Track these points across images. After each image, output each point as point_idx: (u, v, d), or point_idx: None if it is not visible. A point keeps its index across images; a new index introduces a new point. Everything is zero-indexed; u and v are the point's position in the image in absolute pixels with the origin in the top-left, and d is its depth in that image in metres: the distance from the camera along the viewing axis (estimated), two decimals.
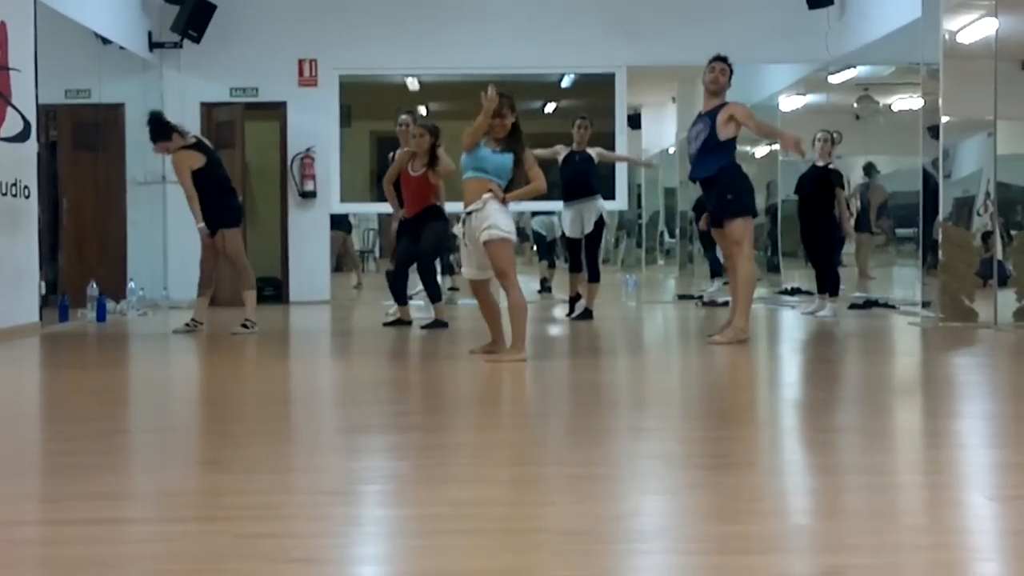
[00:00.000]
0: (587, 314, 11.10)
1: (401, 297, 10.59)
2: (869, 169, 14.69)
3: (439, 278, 11.36)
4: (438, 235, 10.59)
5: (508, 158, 7.68)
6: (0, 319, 9.58)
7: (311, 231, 14.13)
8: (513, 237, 7.69)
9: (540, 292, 15.44)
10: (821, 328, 10.69)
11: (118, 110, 13.58)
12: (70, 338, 10.13)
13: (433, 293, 10.53)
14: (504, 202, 7.62)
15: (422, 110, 15.39)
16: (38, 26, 10.34)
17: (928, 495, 3.88)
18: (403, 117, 10.97)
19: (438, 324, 10.24)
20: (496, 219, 7.51)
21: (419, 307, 11.76)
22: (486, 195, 7.56)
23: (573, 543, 3.16)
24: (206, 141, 10.57)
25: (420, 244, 10.40)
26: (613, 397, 6.52)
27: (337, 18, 13.97)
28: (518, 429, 5.43)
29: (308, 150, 14.00)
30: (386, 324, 10.55)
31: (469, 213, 7.61)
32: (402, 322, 10.49)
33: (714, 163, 8.81)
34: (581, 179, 11.28)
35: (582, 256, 11.46)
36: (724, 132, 8.75)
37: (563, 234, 11.94)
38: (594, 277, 11.36)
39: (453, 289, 13.78)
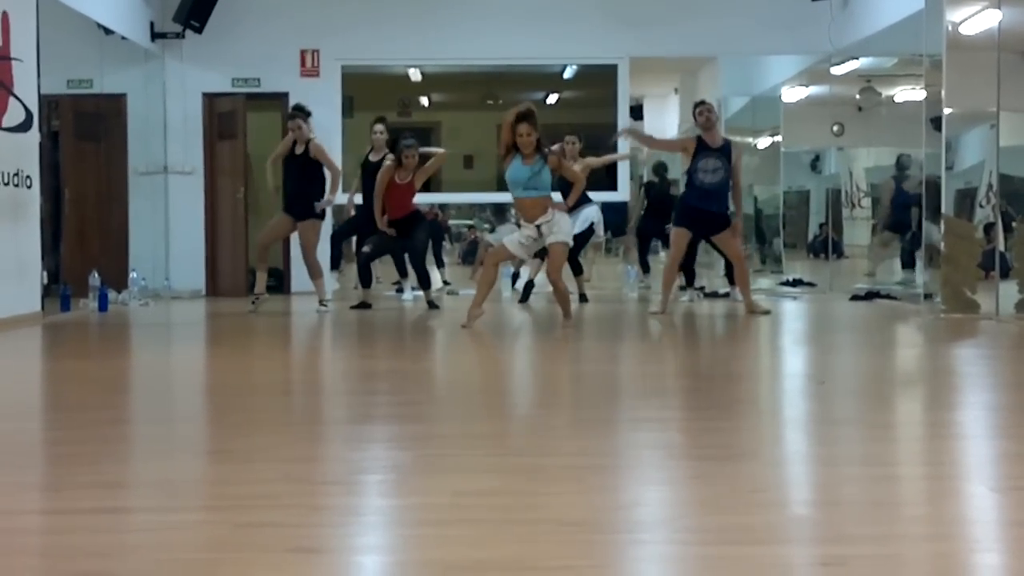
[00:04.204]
0: (581, 298, 12.30)
1: (367, 281, 11.91)
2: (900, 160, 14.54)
3: (432, 270, 12.90)
4: (428, 235, 12.26)
5: (547, 170, 9.21)
6: (2, 309, 9.58)
7: None
8: (571, 242, 9.66)
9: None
10: (820, 319, 10.72)
11: (120, 100, 13.59)
12: (72, 328, 10.13)
13: (425, 281, 11.77)
14: (568, 211, 9.64)
15: (423, 101, 15.42)
16: (40, 16, 10.33)
17: (929, 486, 3.87)
18: (378, 126, 12.41)
19: (432, 306, 11.52)
20: (567, 228, 9.43)
21: (409, 300, 12.64)
22: (553, 208, 9.29)
23: (574, 533, 3.15)
24: None
25: (414, 243, 11.66)
26: (614, 387, 6.52)
27: (339, 8, 13.96)
28: (519, 419, 5.43)
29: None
30: (352, 308, 11.56)
31: (539, 225, 9.23)
32: (365, 304, 11.61)
33: (727, 203, 10.53)
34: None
35: (578, 258, 12.59)
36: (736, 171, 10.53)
37: None
38: (578, 270, 12.64)
39: (447, 283, 14.19)
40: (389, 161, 11.63)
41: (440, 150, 12.02)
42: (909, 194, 14.20)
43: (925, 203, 10.82)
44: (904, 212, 14.40)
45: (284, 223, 11.41)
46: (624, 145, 13.14)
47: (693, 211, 10.45)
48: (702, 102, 10.65)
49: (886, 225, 15.07)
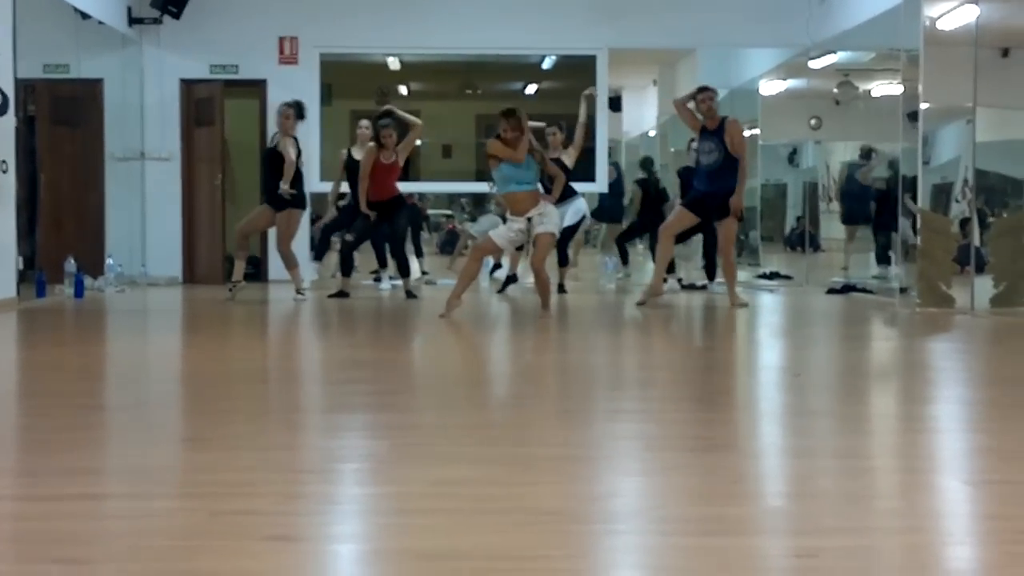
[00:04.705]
0: (559, 288, 12.03)
1: (348, 269, 11.69)
2: (868, 153, 14.56)
3: (411, 259, 12.73)
4: (409, 220, 12.28)
5: (533, 164, 9.37)
6: None
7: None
8: (558, 234, 9.86)
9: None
10: (797, 312, 10.78)
11: (97, 85, 13.49)
12: (47, 314, 10.08)
13: (404, 269, 11.65)
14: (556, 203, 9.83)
15: (402, 90, 15.39)
16: (16, 0, 10.25)
17: (903, 479, 3.90)
18: (364, 122, 12.45)
19: (410, 295, 11.32)
20: (556, 219, 9.61)
21: (386, 289, 12.47)
22: (543, 200, 9.48)
23: (550, 523, 3.16)
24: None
25: (396, 228, 11.62)
26: (592, 379, 6.53)
27: None
28: (496, 409, 5.44)
29: None
30: (330, 296, 11.39)
31: (529, 218, 9.32)
32: (343, 293, 11.45)
33: (730, 182, 10.23)
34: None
35: (566, 249, 12.52)
36: (733, 150, 10.29)
37: None
38: (563, 261, 12.51)
39: (425, 273, 14.18)
40: (370, 144, 11.65)
41: (417, 120, 11.85)
42: (864, 186, 14.27)
43: (901, 197, 10.86)
44: (857, 203, 14.45)
45: (265, 214, 11.41)
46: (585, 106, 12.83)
47: (700, 195, 10.46)
48: (705, 88, 10.54)
49: (840, 217, 15.13)
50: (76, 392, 5.72)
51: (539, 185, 9.72)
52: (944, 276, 10.12)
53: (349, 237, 11.67)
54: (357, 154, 12.08)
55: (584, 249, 16.77)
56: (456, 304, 9.27)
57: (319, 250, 13.32)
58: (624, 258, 14.14)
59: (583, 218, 12.75)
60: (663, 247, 10.72)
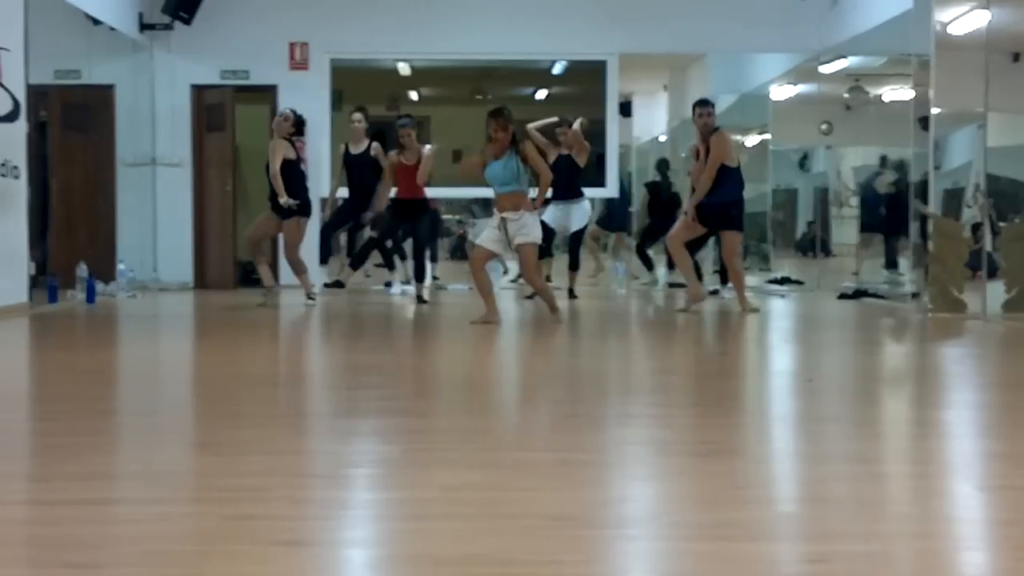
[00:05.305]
0: (569, 294, 12.04)
1: (359, 263, 11.84)
2: (883, 162, 14.53)
3: (427, 264, 12.72)
4: (432, 225, 12.56)
5: (515, 162, 9.05)
6: None
7: None
8: (539, 242, 9.31)
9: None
10: (808, 317, 10.76)
11: (108, 91, 13.52)
12: (59, 319, 10.10)
13: (420, 273, 11.71)
14: (546, 203, 9.80)
15: (413, 95, 15.40)
16: (28, 5, 10.28)
17: (916, 484, 3.89)
18: (357, 115, 12.21)
19: (421, 300, 11.32)
20: (536, 231, 9.12)
21: (396, 294, 12.58)
22: (523, 207, 9.04)
23: (561, 528, 3.16)
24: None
25: (419, 232, 11.65)
26: (601, 384, 6.52)
27: (329, 2, 13.92)
28: (507, 414, 5.44)
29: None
30: (326, 285, 11.73)
31: (504, 219, 9.04)
32: (339, 284, 11.71)
33: (729, 192, 10.25)
34: (567, 181, 11.78)
35: (577, 253, 12.49)
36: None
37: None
38: (574, 266, 12.40)
39: (436, 278, 14.18)
40: (373, 152, 11.77)
41: (430, 171, 11.46)
42: (879, 194, 14.24)
43: (911, 202, 10.84)
44: (874, 211, 14.42)
45: (271, 221, 11.31)
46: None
47: (702, 205, 10.37)
48: (704, 103, 10.45)
49: (859, 226, 15.10)
50: (87, 397, 5.72)
51: (525, 189, 9.21)
52: (956, 281, 10.10)
53: (374, 233, 11.66)
54: (353, 149, 12.09)
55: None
56: (495, 319, 9.12)
57: (323, 253, 13.25)
58: (648, 265, 14.15)
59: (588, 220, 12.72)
60: (676, 256, 10.69)
